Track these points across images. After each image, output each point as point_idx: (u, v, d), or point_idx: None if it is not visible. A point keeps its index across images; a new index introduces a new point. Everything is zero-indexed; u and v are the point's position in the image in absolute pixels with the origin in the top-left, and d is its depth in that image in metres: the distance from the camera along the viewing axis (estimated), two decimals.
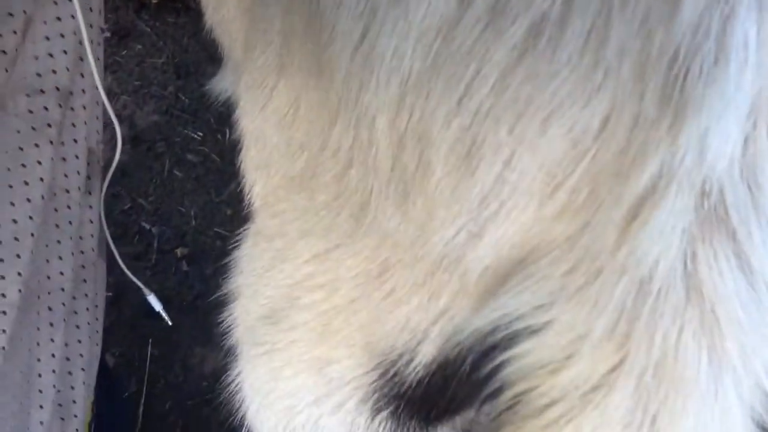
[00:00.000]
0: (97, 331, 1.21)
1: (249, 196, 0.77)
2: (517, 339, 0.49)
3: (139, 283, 1.37)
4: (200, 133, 1.88)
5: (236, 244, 0.82)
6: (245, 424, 0.88)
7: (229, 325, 0.82)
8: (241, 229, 0.82)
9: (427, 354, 0.56)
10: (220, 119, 1.90)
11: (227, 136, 1.88)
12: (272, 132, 0.68)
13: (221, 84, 1.10)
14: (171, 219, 1.77)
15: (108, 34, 1.98)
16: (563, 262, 0.48)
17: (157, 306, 1.42)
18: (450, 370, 0.55)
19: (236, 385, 0.86)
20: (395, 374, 0.60)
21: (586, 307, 0.47)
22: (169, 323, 1.41)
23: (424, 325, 0.56)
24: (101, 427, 1.26)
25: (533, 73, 0.48)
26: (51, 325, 1.04)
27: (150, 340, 1.57)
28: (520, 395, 0.50)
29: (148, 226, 1.75)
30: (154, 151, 1.86)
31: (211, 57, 1.98)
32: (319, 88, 0.61)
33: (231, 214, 1.78)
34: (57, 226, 1.06)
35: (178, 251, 1.72)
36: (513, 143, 0.48)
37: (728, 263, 0.45)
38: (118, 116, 1.94)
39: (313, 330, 0.66)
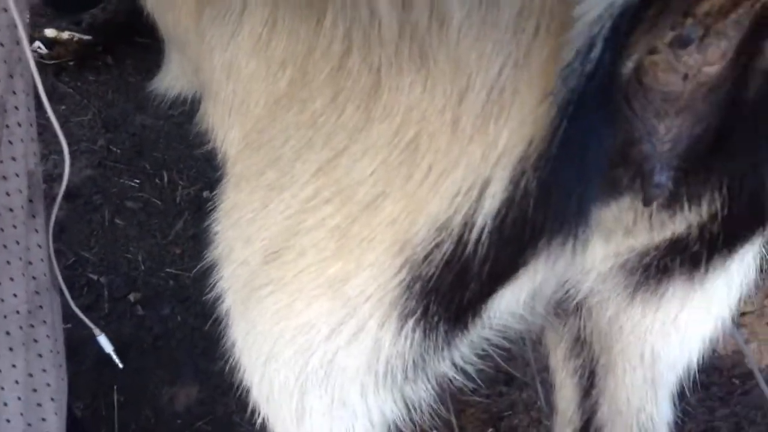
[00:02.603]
0: (61, 365, 1.07)
1: (222, 146, 0.69)
2: None
3: (90, 323, 1.25)
4: (137, 181, 1.76)
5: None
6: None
7: (219, 294, 0.72)
8: (213, 193, 0.73)
9: (490, 208, 0.48)
10: (156, 164, 1.79)
11: (165, 179, 1.77)
12: (247, 59, 0.60)
13: (165, 80, 1.01)
14: (119, 267, 1.63)
15: None
16: None
17: (108, 347, 1.30)
18: (512, 214, 0.48)
19: (234, 358, 0.75)
20: (436, 255, 0.52)
21: None
22: (120, 366, 1.30)
23: (482, 180, 0.48)
24: None
25: None
26: (11, 350, 0.92)
27: (115, 387, 1.41)
28: None
29: (95, 277, 1.60)
30: (91, 204, 1.73)
31: (138, 107, 1.88)
32: None
33: (180, 253, 1.66)
34: (5, 246, 0.94)
35: (131, 296, 1.58)
36: None
37: None
38: (49, 176, 1.81)
39: (327, 248, 0.57)
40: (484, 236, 0.49)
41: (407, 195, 0.51)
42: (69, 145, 1.82)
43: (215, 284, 0.72)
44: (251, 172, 0.62)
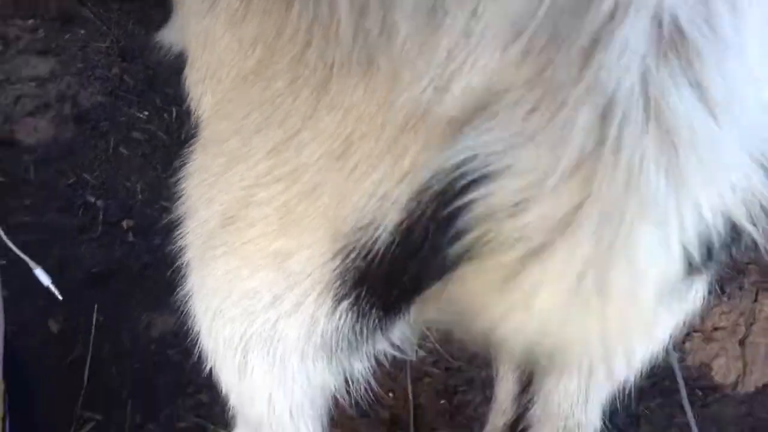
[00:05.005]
0: None
1: (196, 110, 0.73)
2: (478, 182, 0.47)
3: (26, 258, 1.29)
4: (146, 113, 1.81)
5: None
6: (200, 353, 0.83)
7: (181, 247, 0.77)
8: (184, 150, 0.78)
9: (393, 218, 0.53)
10: (166, 99, 1.83)
11: (173, 114, 1.81)
12: (222, 31, 0.64)
13: (171, 34, 1.05)
14: (117, 193, 1.69)
15: None
16: (525, 103, 0.46)
17: (46, 280, 1.33)
18: (416, 230, 0.52)
19: (187, 305, 0.81)
20: (360, 252, 0.57)
21: (547, 148, 0.46)
22: (59, 297, 1.33)
23: (389, 190, 0.53)
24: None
25: None
26: None
27: (96, 307, 1.48)
28: (483, 236, 0.48)
29: (93, 199, 1.66)
30: (99, 129, 1.78)
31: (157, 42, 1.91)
32: None
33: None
34: None
35: (124, 223, 1.64)
36: None
37: (684, 87, 0.44)
38: (61, 96, 1.85)
39: (273, 223, 0.62)
40: (387, 247, 0.54)
41: (338, 187, 0.56)
42: (84, 69, 1.88)
43: (179, 238, 0.77)
44: (217, 138, 0.66)
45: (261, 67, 0.60)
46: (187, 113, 1.88)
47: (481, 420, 1.42)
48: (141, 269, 1.59)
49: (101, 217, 1.64)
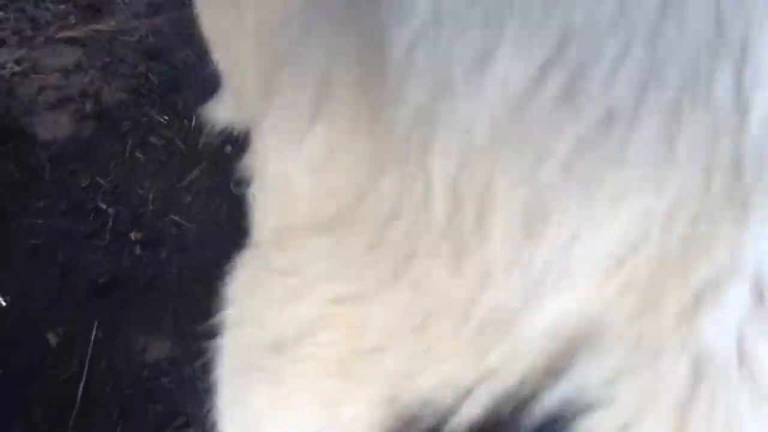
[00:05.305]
0: None
1: (259, 228, 0.72)
2: (581, 412, 0.48)
3: None
4: (166, 117, 1.79)
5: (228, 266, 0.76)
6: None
7: (216, 354, 0.77)
8: (237, 255, 0.76)
9: (470, 413, 0.53)
10: (188, 105, 1.81)
11: (194, 122, 1.79)
12: (299, 176, 0.63)
13: (219, 112, 1.02)
14: (129, 201, 1.67)
15: None
16: (624, 343, 0.47)
17: None
18: (487, 427, 0.52)
19: (213, 410, 0.80)
20: (418, 425, 0.57)
21: (648, 384, 0.46)
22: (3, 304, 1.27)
23: (467, 384, 0.52)
24: None
25: (606, 156, 0.47)
26: None
27: (96, 323, 1.47)
28: None
29: (104, 206, 1.64)
30: (119, 129, 1.75)
31: (186, 41, 1.88)
32: (369, 139, 0.56)
33: (190, 201, 1.69)
34: None
35: (132, 235, 1.62)
36: (581, 218, 0.47)
37: None
38: (84, 91, 1.82)
39: (329, 368, 0.61)
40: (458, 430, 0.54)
41: (406, 361, 0.55)
42: (110, 63, 1.84)
43: (217, 338, 0.76)
44: (275, 266, 0.65)
45: (336, 221, 0.59)
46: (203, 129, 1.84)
47: None
48: (145, 284, 1.58)
49: (110, 224, 1.62)
